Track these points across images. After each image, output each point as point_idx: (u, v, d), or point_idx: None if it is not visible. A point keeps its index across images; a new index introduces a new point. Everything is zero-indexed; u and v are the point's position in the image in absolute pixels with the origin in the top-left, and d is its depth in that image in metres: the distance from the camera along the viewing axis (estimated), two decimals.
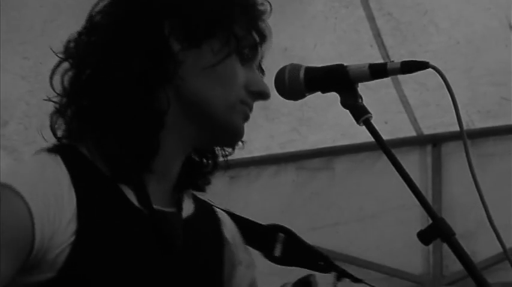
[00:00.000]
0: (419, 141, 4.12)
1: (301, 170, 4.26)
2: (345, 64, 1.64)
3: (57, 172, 1.51)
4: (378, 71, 1.62)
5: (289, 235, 1.73)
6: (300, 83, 1.64)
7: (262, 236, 1.72)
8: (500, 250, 3.71)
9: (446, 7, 3.73)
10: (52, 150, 1.55)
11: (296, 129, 4.12)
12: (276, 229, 1.73)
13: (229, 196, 4.08)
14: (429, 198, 3.97)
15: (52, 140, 1.62)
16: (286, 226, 1.75)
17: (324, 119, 4.01)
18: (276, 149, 4.20)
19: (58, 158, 1.53)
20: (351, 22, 3.77)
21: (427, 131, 4.10)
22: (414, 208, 3.99)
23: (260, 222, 1.76)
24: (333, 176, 4.21)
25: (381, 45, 3.76)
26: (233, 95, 1.59)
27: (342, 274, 1.71)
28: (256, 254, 1.74)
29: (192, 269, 1.61)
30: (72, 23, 1.70)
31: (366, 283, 1.72)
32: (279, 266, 1.72)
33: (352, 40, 3.78)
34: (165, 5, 1.57)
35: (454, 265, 3.90)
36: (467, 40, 3.79)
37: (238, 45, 1.59)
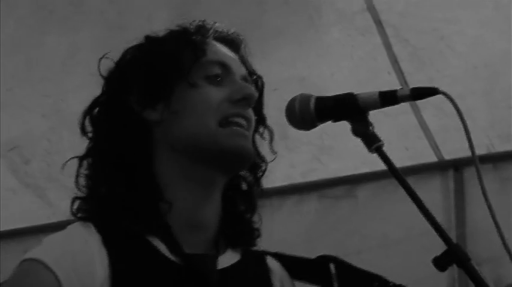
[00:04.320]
0: (441, 166, 4.10)
1: (323, 199, 4.25)
2: (355, 92, 1.65)
3: (87, 237, 1.57)
4: (388, 98, 1.63)
5: (339, 263, 1.73)
6: (310, 113, 1.65)
7: (316, 271, 1.72)
8: None
9: (462, 32, 3.73)
10: (84, 219, 1.61)
11: (317, 158, 4.12)
12: (326, 259, 1.74)
13: None
14: (452, 223, 3.95)
15: (73, 176, 1.66)
16: (310, 254, 1.75)
17: (344, 147, 4.00)
18: (298, 179, 4.19)
19: (89, 225, 1.59)
20: (368, 50, 3.78)
21: (448, 156, 4.08)
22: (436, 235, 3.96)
23: (285, 252, 1.76)
24: (355, 203, 4.20)
25: (399, 72, 3.76)
26: (210, 118, 1.62)
27: None
28: None
29: None
30: (91, 59, 1.73)
31: None
32: None
33: (370, 67, 3.78)
34: (124, 86, 1.67)
35: None
36: (485, 64, 3.79)
37: (196, 78, 1.62)
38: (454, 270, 4.48)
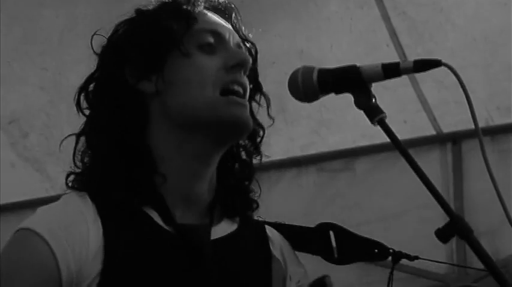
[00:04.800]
0: (439, 139, 4.10)
1: (322, 172, 4.26)
2: (358, 65, 1.65)
3: (82, 207, 1.58)
4: (390, 71, 1.63)
5: (340, 231, 1.74)
6: (313, 85, 1.64)
7: (316, 240, 1.73)
8: None
9: (461, 4, 3.72)
10: (80, 189, 1.62)
11: (316, 132, 4.12)
12: (326, 227, 1.74)
13: None
14: (451, 196, 3.96)
15: (72, 150, 1.67)
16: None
17: (343, 120, 4.00)
18: (296, 152, 4.20)
19: (85, 195, 1.60)
20: (366, 22, 3.77)
21: (446, 129, 4.08)
22: (437, 207, 3.96)
23: None
24: (353, 176, 4.21)
25: (397, 45, 3.75)
26: (208, 86, 1.61)
27: (398, 257, 1.72)
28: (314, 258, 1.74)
29: (229, 284, 1.62)
30: (89, 32, 1.73)
31: (422, 258, 1.72)
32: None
33: (368, 40, 3.77)
34: (117, 60, 1.67)
35: (478, 263, 3.88)
36: (484, 36, 3.78)
37: (188, 48, 1.63)
38: (452, 242, 4.50)
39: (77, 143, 1.66)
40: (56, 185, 4.01)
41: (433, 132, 4.10)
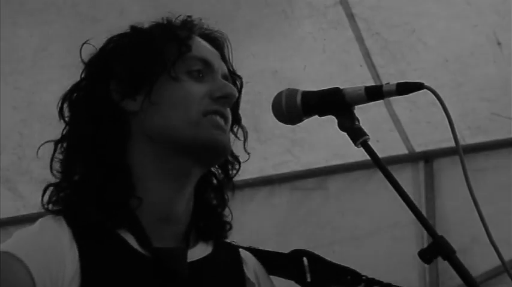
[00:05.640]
0: (412, 158, 4.13)
1: (295, 191, 4.27)
2: (341, 87, 1.66)
3: (58, 232, 1.58)
4: (374, 94, 1.65)
5: (313, 257, 1.75)
6: (297, 107, 1.66)
7: (290, 265, 1.74)
8: (496, 264, 3.70)
9: (433, 25, 3.76)
10: (56, 212, 1.62)
11: (289, 151, 4.14)
12: (299, 254, 1.75)
13: None
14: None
15: (44, 168, 1.66)
16: (281, 245, 1.77)
17: (316, 140, 4.02)
18: (270, 171, 4.21)
19: (61, 219, 1.60)
20: (340, 43, 3.79)
21: (418, 148, 4.12)
22: (409, 225, 3.99)
23: (256, 244, 1.77)
24: (327, 195, 4.22)
25: (371, 65, 3.78)
26: (193, 110, 1.62)
27: (370, 283, 1.73)
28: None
29: None
30: (63, 52, 1.73)
31: (395, 286, 1.73)
32: None
33: (342, 60, 3.80)
34: (105, 73, 1.67)
35: (450, 281, 3.90)
36: (455, 57, 3.82)
37: (178, 72, 1.64)
38: None
39: (55, 150, 1.66)
40: (28, 204, 4.00)
41: (406, 151, 4.12)
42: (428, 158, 4.11)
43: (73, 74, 1.73)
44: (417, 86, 1.63)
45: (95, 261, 1.55)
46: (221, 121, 1.64)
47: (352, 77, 3.70)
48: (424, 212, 4.05)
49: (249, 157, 1.72)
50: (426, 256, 1.54)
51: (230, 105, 1.66)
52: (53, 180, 1.65)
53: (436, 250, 1.53)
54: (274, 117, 1.68)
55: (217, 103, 1.64)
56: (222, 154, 1.65)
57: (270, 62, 3.77)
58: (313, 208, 4.21)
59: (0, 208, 3.99)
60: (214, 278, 1.65)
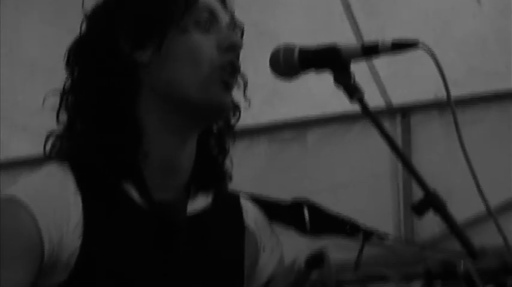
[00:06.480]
0: (389, 112, 4.16)
1: (273, 142, 4.29)
2: (338, 44, 1.69)
3: (63, 179, 1.57)
4: (369, 50, 1.68)
5: (313, 207, 1.77)
6: (294, 62, 1.69)
7: (290, 214, 1.76)
8: (470, 215, 3.76)
9: None
10: (61, 158, 1.61)
11: (269, 101, 4.15)
12: (300, 203, 1.78)
13: None
14: (399, 168, 4.03)
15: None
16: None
17: (296, 91, 4.04)
18: (248, 121, 4.22)
19: (65, 166, 1.59)
20: None
21: (396, 101, 4.15)
22: (385, 178, 4.05)
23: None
24: (305, 147, 4.25)
25: (352, 20, 3.79)
26: (203, 65, 1.62)
27: (368, 234, 1.76)
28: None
29: (203, 259, 1.64)
30: None
31: (391, 236, 1.77)
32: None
33: (323, 14, 3.80)
34: (112, 26, 1.64)
35: (424, 233, 3.97)
36: (435, 11, 3.84)
37: (187, 23, 1.63)
38: (399, 212, 4.57)
39: (61, 100, 1.64)
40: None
41: (383, 105, 4.16)
42: (406, 112, 4.14)
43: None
44: (412, 44, 1.67)
45: (97, 211, 1.56)
46: (230, 78, 1.65)
47: (333, 31, 3.71)
48: (400, 166, 4.10)
49: (250, 103, 1.74)
50: (418, 209, 1.58)
51: (237, 55, 1.67)
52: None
53: (429, 203, 1.58)
54: (270, 70, 1.70)
55: (225, 54, 1.64)
56: (224, 114, 1.67)
57: (251, 14, 3.77)
58: (291, 159, 4.24)
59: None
60: (213, 230, 1.67)
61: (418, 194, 1.64)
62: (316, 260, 1.63)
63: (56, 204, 1.54)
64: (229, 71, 1.64)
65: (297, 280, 1.62)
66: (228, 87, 1.64)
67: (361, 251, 1.79)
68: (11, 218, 1.52)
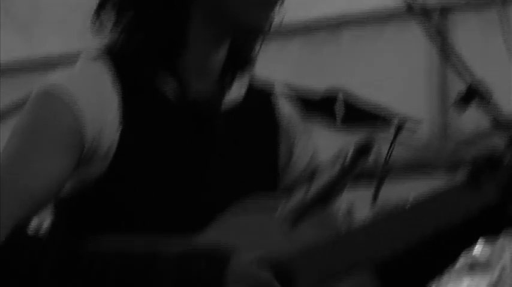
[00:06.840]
0: (426, 10, 4.11)
1: (308, 41, 4.28)
2: None
3: (100, 74, 1.58)
4: None
5: (348, 94, 1.76)
6: None
7: (324, 103, 1.76)
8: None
9: None
10: (99, 53, 1.61)
11: (302, 1, 4.12)
12: (335, 90, 1.76)
13: None
14: (434, 66, 4.01)
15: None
16: None
17: None
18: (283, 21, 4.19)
19: (101, 62, 1.59)
20: None
21: (432, 1, 4.10)
22: (420, 75, 4.03)
23: None
24: (340, 46, 4.24)
25: None
26: None
27: (403, 121, 1.75)
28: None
29: (238, 155, 1.65)
30: None
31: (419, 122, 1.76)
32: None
33: None
34: None
35: (458, 131, 3.97)
36: None
37: None
38: (434, 110, 4.54)
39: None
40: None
41: (420, 2, 4.10)
42: (443, 10, 4.10)
43: None
44: None
45: (133, 107, 1.57)
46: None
47: None
48: (435, 65, 4.08)
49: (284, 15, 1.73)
50: (466, 98, 1.58)
51: None
52: None
53: (475, 91, 1.58)
54: None
55: None
56: (259, 36, 1.67)
57: None
58: (325, 58, 4.23)
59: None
60: (247, 127, 1.68)
61: (453, 92, 1.64)
62: (365, 147, 1.63)
63: (96, 96, 1.56)
64: None
65: (344, 168, 1.62)
66: (271, 9, 1.63)
67: (395, 138, 1.78)
68: (54, 105, 1.54)
